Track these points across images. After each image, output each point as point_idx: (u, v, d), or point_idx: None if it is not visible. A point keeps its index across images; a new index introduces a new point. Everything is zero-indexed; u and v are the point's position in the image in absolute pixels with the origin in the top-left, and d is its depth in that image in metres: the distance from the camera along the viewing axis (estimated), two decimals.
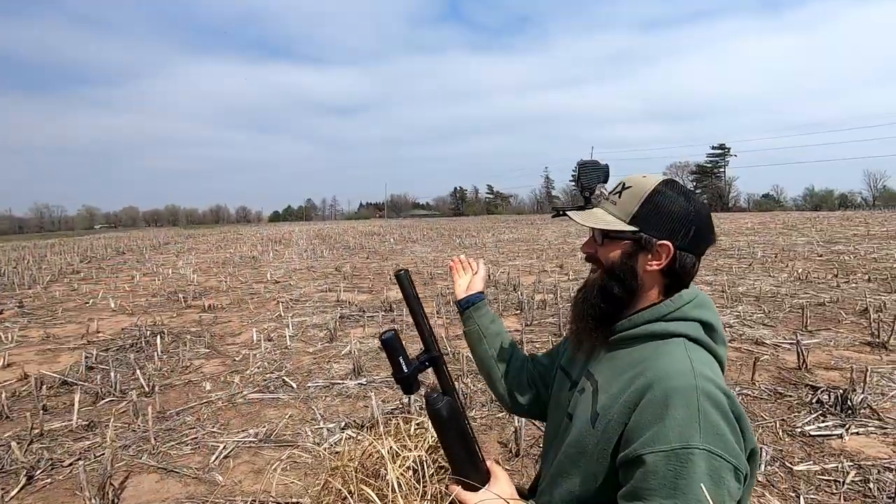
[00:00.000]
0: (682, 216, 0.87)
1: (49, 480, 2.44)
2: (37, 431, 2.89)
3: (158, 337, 4.78)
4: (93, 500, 2.20)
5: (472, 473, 0.79)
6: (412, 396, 3.06)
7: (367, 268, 10.71)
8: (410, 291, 0.79)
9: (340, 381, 3.66)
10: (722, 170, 71.98)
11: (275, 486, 2.29)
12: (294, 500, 2.19)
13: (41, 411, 3.17)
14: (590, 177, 0.94)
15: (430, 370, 0.88)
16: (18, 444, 2.62)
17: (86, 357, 4.30)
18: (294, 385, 3.62)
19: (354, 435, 2.75)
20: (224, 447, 2.71)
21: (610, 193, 0.93)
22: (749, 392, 3.20)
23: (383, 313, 5.87)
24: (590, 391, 0.88)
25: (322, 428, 2.92)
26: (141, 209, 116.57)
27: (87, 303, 7.37)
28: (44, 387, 3.61)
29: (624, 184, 0.91)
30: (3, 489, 2.32)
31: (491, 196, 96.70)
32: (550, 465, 0.93)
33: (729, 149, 71.16)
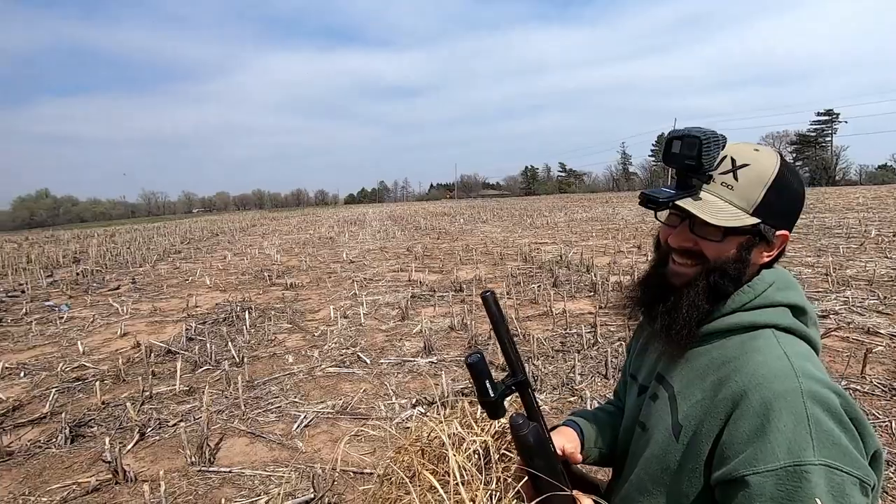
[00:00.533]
0: (798, 200, 0.76)
1: (157, 438, 2.73)
2: (147, 394, 3.24)
3: (247, 312, 5.17)
4: (193, 458, 2.43)
5: (557, 501, 0.74)
6: None
7: (438, 248, 10.84)
8: (496, 313, 0.74)
9: (412, 359, 3.75)
10: (828, 139, 64.37)
11: (349, 455, 2.41)
12: (367, 471, 2.29)
13: (150, 376, 3.56)
14: (697, 153, 0.72)
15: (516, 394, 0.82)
16: (132, 404, 2.96)
17: (186, 329, 4.76)
18: (368, 361, 3.76)
19: (424, 412, 2.82)
20: (305, 417, 2.89)
21: (719, 172, 0.74)
22: (858, 387, 2.86)
23: (453, 293, 5.91)
24: (665, 398, 0.78)
25: (394, 403, 3.02)
26: (231, 194, 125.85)
27: (187, 280, 8.12)
28: (152, 354, 4.03)
29: (734, 160, 0.74)
30: (121, 443, 2.63)
31: (563, 174, 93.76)
32: (624, 480, 0.83)
33: (837, 115, 63.33)
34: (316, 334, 4.57)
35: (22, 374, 3.80)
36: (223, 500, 2.07)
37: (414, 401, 3.03)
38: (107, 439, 2.56)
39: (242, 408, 3.00)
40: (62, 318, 5.65)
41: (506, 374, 0.76)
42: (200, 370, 3.72)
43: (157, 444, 2.67)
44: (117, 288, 7.60)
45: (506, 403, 0.76)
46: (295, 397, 3.19)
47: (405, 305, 5.13)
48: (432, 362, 3.66)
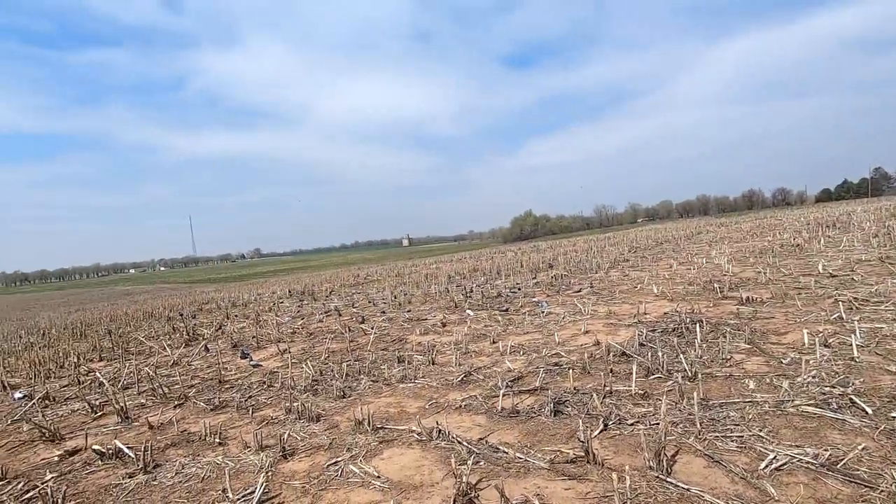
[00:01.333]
0: None
1: (618, 432, 2.99)
2: (607, 389, 3.62)
3: (697, 325, 4.95)
4: (651, 462, 2.52)
5: None
6: None
7: None
8: None
9: None
10: None
11: None
12: None
13: (610, 373, 3.96)
14: None
15: None
16: (597, 395, 3.37)
17: (637, 334, 5.03)
18: (868, 409, 2.85)
19: None
20: (775, 457, 2.47)
21: None
22: None
23: None
24: None
25: None
26: (674, 201, 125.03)
27: (636, 287, 8.60)
28: (610, 354, 4.48)
29: None
30: (588, 427, 3.03)
31: None
32: None
33: None
34: (784, 361, 3.86)
35: (521, 353, 5.03)
36: None
37: None
38: (580, 421, 3.02)
39: (698, 426, 2.88)
40: (543, 312, 7.13)
41: None
42: (653, 377, 3.83)
43: (617, 438, 2.92)
44: (579, 291, 8.91)
45: None
46: (759, 430, 2.79)
47: None
48: None
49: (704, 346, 4.49)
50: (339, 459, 3.00)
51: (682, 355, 4.09)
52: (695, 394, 3.12)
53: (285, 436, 3.34)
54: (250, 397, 4.50)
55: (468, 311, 7.82)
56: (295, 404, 3.97)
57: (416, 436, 3.21)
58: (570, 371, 4.06)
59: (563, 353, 4.79)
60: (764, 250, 12.07)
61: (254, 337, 7.74)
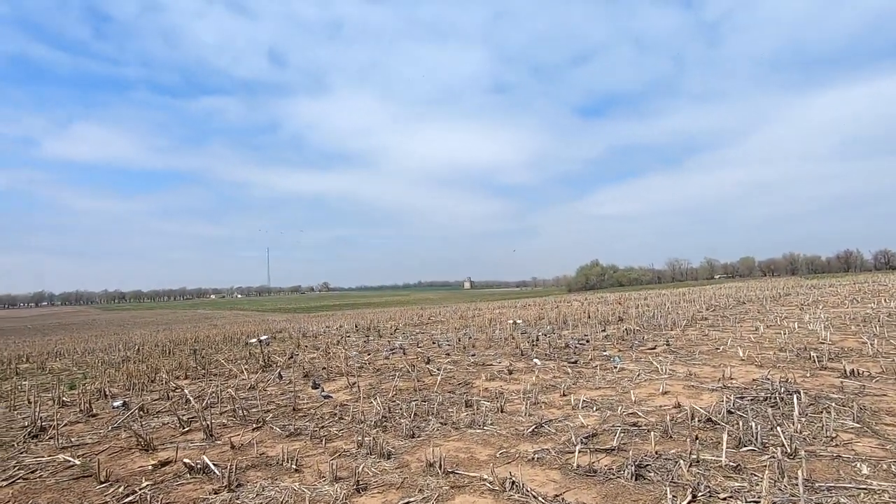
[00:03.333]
0: None
1: None
2: (694, 457, 3.38)
3: (795, 397, 4.53)
4: None
5: None
6: None
7: None
8: None
9: None
10: None
11: None
12: None
13: (696, 440, 3.69)
14: None
15: None
16: (684, 462, 3.15)
17: (724, 401, 4.68)
18: None
19: None
20: None
21: None
22: None
23: None
24: None
25: None
26: (757, 259, 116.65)
27: (717, 348, 8.03)
28: (694, 419, 4.19)
29: None
30: (675, 497, 2.83)
31: None
32: None
33: None
34: None
35: (594, 409, 4.82)
36: None
37: None
38: (666, 488, 2.83)
39: None
40: (616, 367, 6.82)
41: None
42: (744, 449, 3.53)
43: None
44: (654, 348, 8.45)
45: None
46: None
47: None
48: None
49: (804, 420, 4.08)
50: (411, 500, 3.00)
51: (777, 428, 3.75)
52: (799, 472, 2.84)
53: (358, 469, 3.40)
54: (322, 427, 4.63)
55: (535, 360, 7.65)
56: (366, 439, 4.04)
57: (487, 484, 3.15)
58: (651, 433, 3.84)
59: (640, 414, 4.55)
60: (868, 318, 10.89)
61: (324, 368, 8.01)
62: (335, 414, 5.09)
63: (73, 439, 4.69)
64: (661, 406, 4.79)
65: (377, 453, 3.78)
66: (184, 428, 4.84)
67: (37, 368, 10.86)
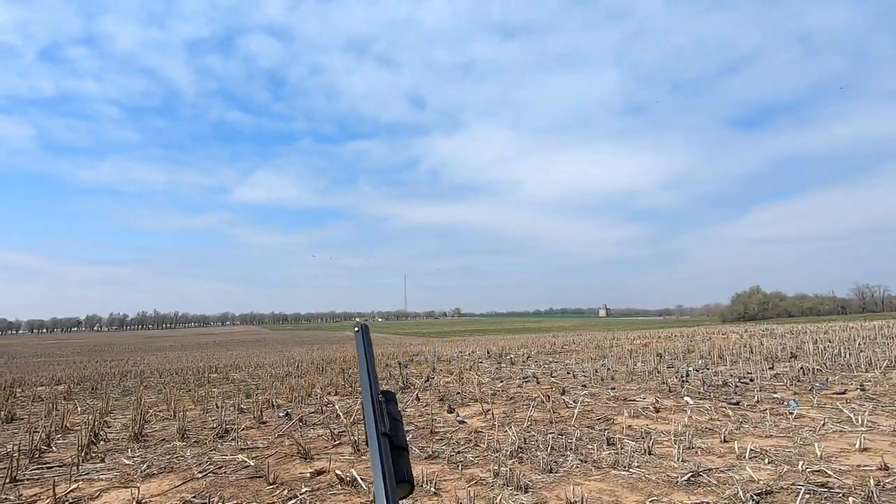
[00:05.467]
0: None
1: None
2: None
3: None
4: None
5: None
6: None
7: None
8: None
9: None
10: None
11: None
12: None
13: None
14: None
15: None
16: None
17: None
18: None
19: None
20: None
21: None
22: None
23: None
24: None
25: None
26: None
27: None
28: None
29: None
30: None
31: None
32: None
33: None
34: None
35: (766, 460, 4.13)
36: None
37: None
38: None
39: None
40: (792, 413, 5.79)
41: None
42: None
43: None
44: (843, 392, 7.01)
45: None
46: None
47: None
48: None
49: None
50: None
51: None
52: None
53: (496, 500, 3.34)
54: (459, 452, 4.68)
55: (687, 399, 6.85)
56: (502, 469, 3.97)
57: None
58: (848, 499, 3.15)
59: (829, 472, 3.77)
60: None
61: (458, 393, 8.14)
62: (470, 440, 5.11)
63: (248, 442, 5.40)
64: (859, 465, 3.91)
65: (514, 485, 3.68)
66: (335, 441, 5.27)
67: (222, 378, 12.84)
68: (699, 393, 7.30)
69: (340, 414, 6.50)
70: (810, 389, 7.27)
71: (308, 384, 9.81)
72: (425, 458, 4.54)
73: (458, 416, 6.30)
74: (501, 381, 9.46)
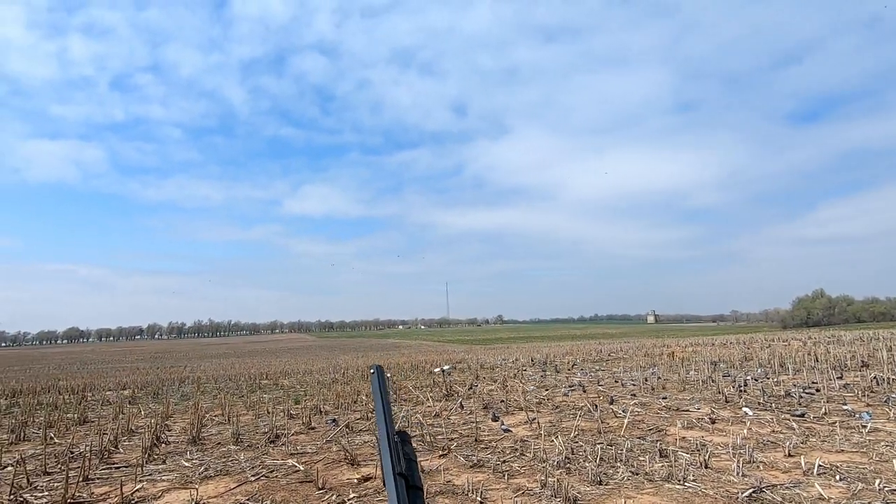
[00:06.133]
0: None
1: None
2: None
3: None
4: None
5: None
6: None
7: None
8: None
9: None
10: None
11: None
12: None
13: None
14: None
15: None
16: None
17: None
18: None
19: None
20: None
21: None
22: None
23: None
24: None
25: None
26: None
27: None
28: None
29: None
30: None
31: None
32: None
33: None
34: None
35: (837, 477, 3.84)
36: None
37: None
38: None
39: None
40: (865, 426, 5.37)
41: None
42: None
43: None
44: None
45: None
46: None
47: None
48: None
49: None
50: None
51: None
52: None
53: None
54: (504, 462, 4.62)
55: (745, 410, 6.49)
56: (550, 479, 3.89)
57: None
58: None
59: None
60: None
61: (502, 401, 8.05)
62: (516, 449, 5.04)
63: (297, 447, 5.54)
64: None
65: (562, 497, 3.59)
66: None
67: (272, 384, 13.27)
68: (759, 404, 6.90)
69: None
70: (885, 401, 6.72)
71: (354, 391, 9.98)
72: (471, 467, 4.51)
73: (502, 424, 6.23)
74: (546, 390, 9.28)
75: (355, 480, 4.22)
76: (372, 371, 1.00)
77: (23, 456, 5.43)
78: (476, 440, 5.48)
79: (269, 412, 7.89)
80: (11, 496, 4.04)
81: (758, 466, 4.18)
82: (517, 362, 16.57)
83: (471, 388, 10.02)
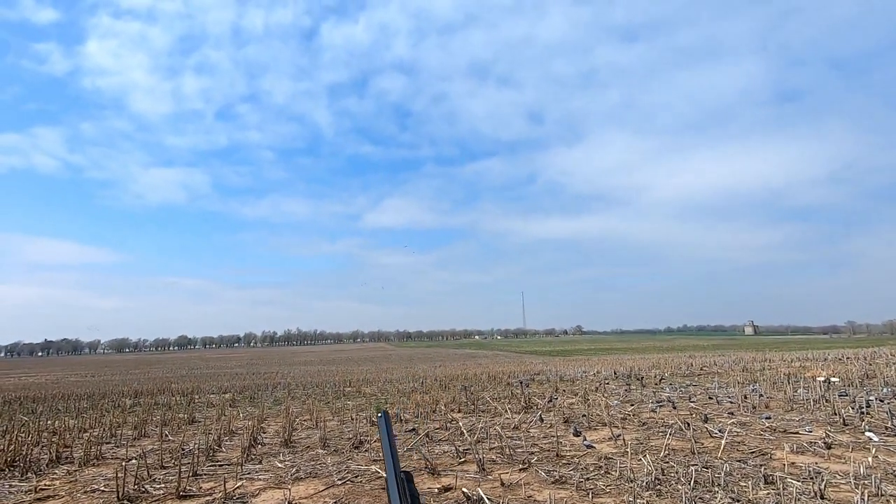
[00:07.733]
0: None
1: None
2: None
3: None
4: None
5: None
6: None
7: None
8: None
9: None
10: None
11: None
12: None
13: None
14: None
15: None
16: None
17: None
18: None
19: None
20: None
21: None
22: None
23: None
24: None
25: None
26: None
27: None
28: None
29: None
30: None
31: None
32: None
33: None
34: None
35: None
36: None
37: None
38: None
39: None
40: None
41: None
42: None
43: None
44: None
45: None
46: None
47: None
48: None
49: None
50: None
51: None
52: None
53: None
54: (588, 479, 4.44)
55: (870, 434, 5.73)
56: (638, 500, 3.68)
57: None
58: None
59: None
60: None
61: (584, 416, 7.76)
62: (600, 466, 4.83)
63: (380, 454, 5.71)
64: None
65: None
66: (460, 458, 5.34)
67: (355, 392, 13.81)
68: (886, 428, 6.06)
69: (464, 431, 6.58)
70: None
71: (432, 400, 10.11)
72: (552, 483, 4.39)
73: (584, 439, 6.00)
74: (631, 405, 8.81)
75: (436, 490, 4.26)
76: (379, 416, 1.15)
77: (144, 451, 6.10)
78: (557, 455, 5.32)
79: (352, 419, 8.21)
80: (136, 486, 4.55)
81: (887, 500, 3.67)
82: (598, 375, 15.89)
83: (550, 400, 9.76)
